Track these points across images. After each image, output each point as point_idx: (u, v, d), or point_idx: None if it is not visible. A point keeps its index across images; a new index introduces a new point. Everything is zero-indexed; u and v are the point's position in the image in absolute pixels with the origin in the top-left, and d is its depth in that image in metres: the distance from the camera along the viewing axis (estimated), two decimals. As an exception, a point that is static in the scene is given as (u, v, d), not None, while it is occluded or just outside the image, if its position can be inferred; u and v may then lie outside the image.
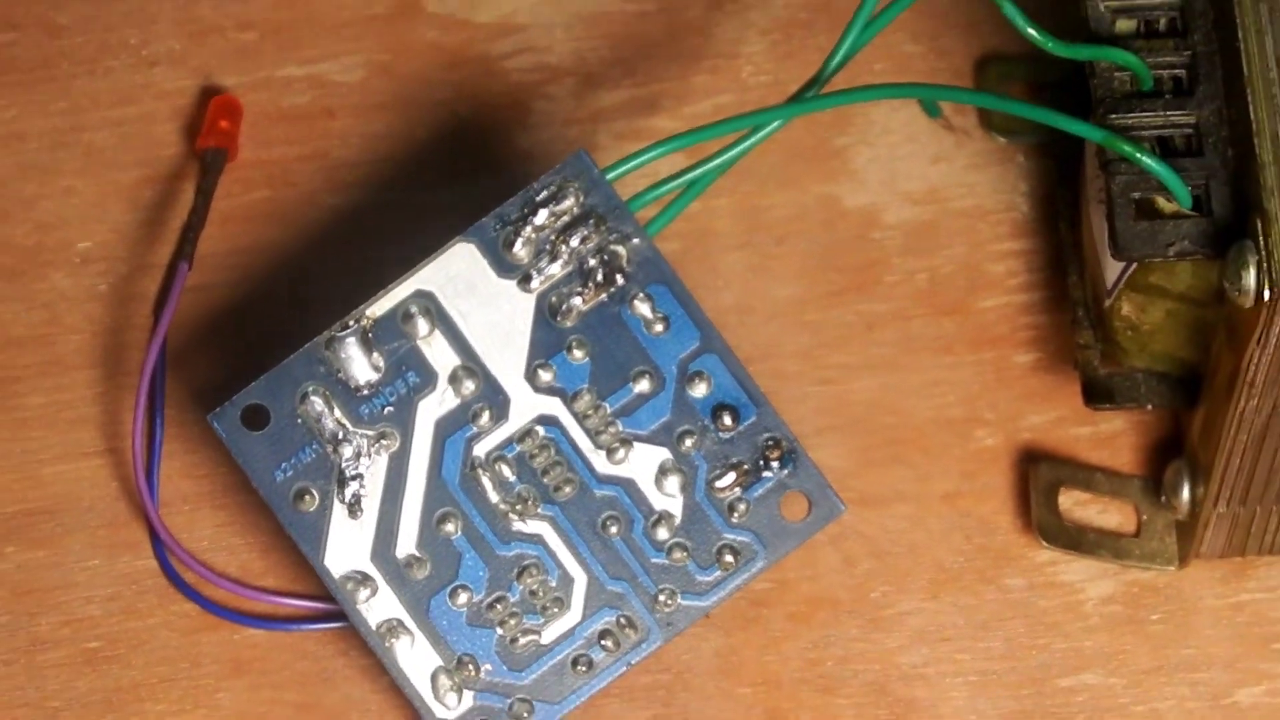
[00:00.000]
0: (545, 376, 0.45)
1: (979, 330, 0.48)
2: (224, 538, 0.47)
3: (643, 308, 0.45)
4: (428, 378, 0.45)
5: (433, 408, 0.45)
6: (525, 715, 0.45)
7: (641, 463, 0.45)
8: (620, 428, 0.45)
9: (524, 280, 0.45)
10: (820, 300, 0.48)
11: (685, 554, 0.45)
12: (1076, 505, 0.47)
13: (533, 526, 0.45)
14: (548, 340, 0.45)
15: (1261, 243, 0.41)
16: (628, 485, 0.45)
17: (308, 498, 0.44)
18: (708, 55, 0.49)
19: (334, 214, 0.49)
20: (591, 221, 0.45)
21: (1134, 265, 0.44)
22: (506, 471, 0.45)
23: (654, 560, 0.45)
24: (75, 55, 0.49)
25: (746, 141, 0.45)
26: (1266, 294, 0.41)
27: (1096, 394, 0.46)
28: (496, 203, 0.44)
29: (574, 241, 0.45)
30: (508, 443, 0.45)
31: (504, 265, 0.45)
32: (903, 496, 0.47)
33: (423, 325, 0.45)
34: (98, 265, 0.49)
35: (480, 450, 0.45)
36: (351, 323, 0.44)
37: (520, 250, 0.45)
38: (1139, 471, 0.47)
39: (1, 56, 0.50)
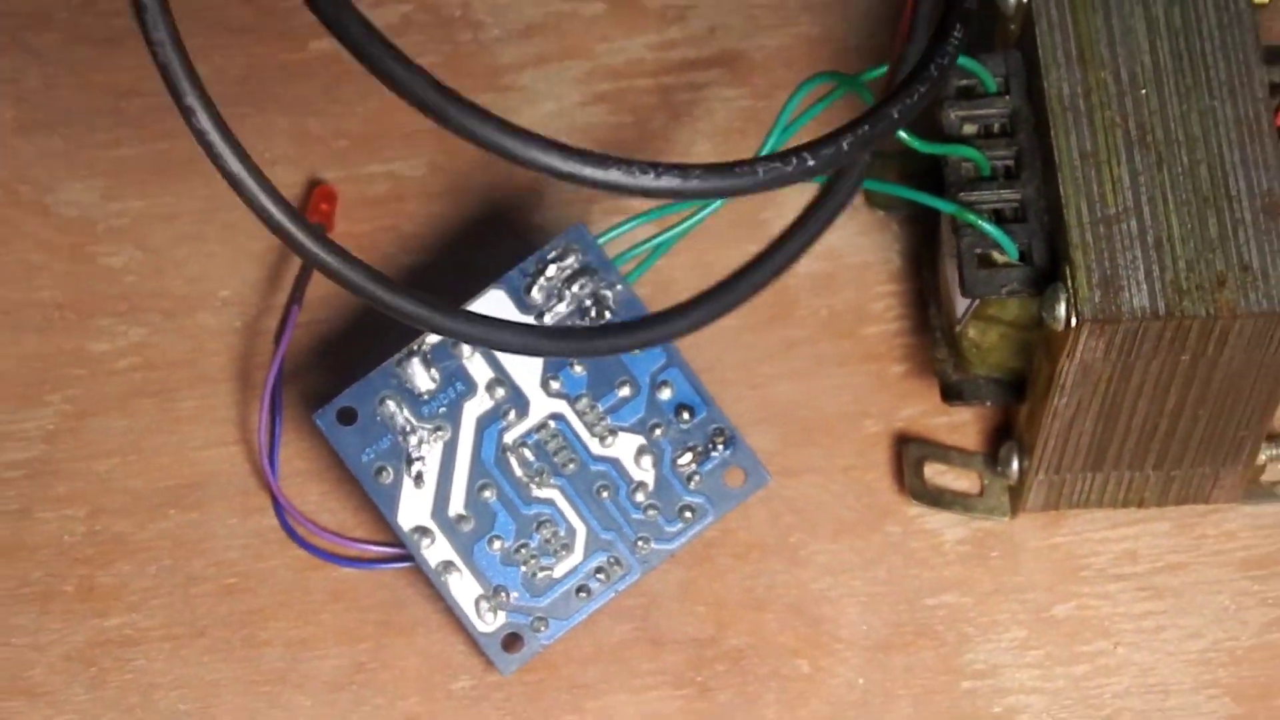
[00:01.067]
0: (554, 385, 0.44)
1: (866, 349, 0.48)
2: (325, 503, 0.46)
3: None
4: (471, 386, 0.44)
5: (474, 408, 0.44)
6: (541, 629, 0.44)
7: (624, 447, 0.44)
8: (609, 421, 0.44)
9: (539, 316, 0.44)
10: (752, 328, 0.48)
11: (656, 511, 0.44)
12: (936, 474, 0.46)
13: (546, 493, 0.44)
14: (556, 359, 0.44)
15: (1069, 284, 0.41)
16: (614, 463, 0.44)
17: (385, 473, 0.44)
18: (668, 154, 0.48)
19: (404, 270, 0.48)
20: (587, 274, 0.45)
21: (977, 301, 0.43)
22: (527, 453, 0.44)
23: (634, 516, 0.44)
24: (209, 186, 0.47)
25: (698, 215, 0.45)
26: (1073, 322, 0.41)
27: (950, 394, 0.46)
28: (519, 261, 0.44)
29: (574, 288, 0.45)
30: (528, 433, 0.44)
31: (524, 305, 0.45)
32: (813, 469, 0.47)
33: (466, 348, 0.44)
34: (233, 308, 0.48)
35: (508, 438, 0.44)
36: (415, 348, 0.44)
37: (536, 294, 0.45)
38: (981, 449, 0.47)
39: (165, 156, 0.48)
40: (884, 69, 0.43)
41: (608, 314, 0.45)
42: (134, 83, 0.49)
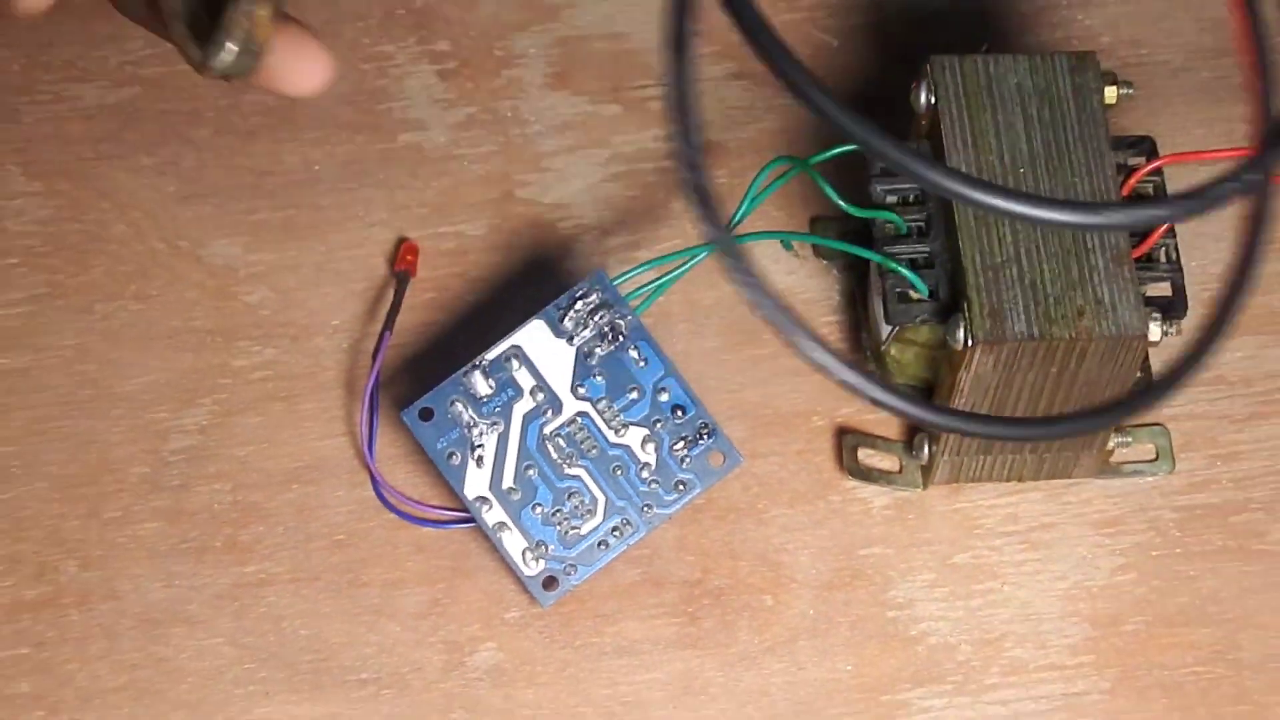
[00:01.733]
0: (581, 390, 0.44)
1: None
2: (410, 479, 0.45)
3: (633, 353, 0.44)
4: (518, 391, 0.44)
5: (521, 408, 0.44)
6: (572, 572, 0.43)
7: (634, 437, 0.44)
8: (622, 418, 0.44)
9: (569, 340, 0.44)
10: (729, 348, 0.47)
11: (657, 485, 0.44)
12: (867, 457, 0.46)
13: (575, 471, 0.44)
14: (582, 371, 0.44)
15: (966, 315, 0.41)
16: (626, 449, 0.44)
17: (454, 456, 0.43)
18: (666, 218, 0.48)
19: (470, 305, 0.47)
20: (606, 307, 0.44)
21: (897, 328, 0.43)
22: (561, 442, 0.44)
23: (641, 489, 0.44)
24: (329, 221, 0.48)
25: (688, 264, 0.45)
26: (969, 343, 0.41)
27: None
28: (555, 298, 0.44)
29: (596, 318, 0.44)
30: (561, 426, 0.44)
31: (559, 331, 0.44)
32: (774, 453, 0.46)
33: (515, 364, 0.44)
34: (342, 334, 0.47)
35: (547, 430, 0.44)
36: (477, 363, 0.44)
37: (567, 323, 0.44)
38: (901, 439, 0.47)
39: (291, 221, 0.47)
40: (829, 153, 0.43)
41: (621, 337, 0.44)
42: (268, 165, 0.48)
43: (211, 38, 0.34)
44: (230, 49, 0.34)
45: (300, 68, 0.36)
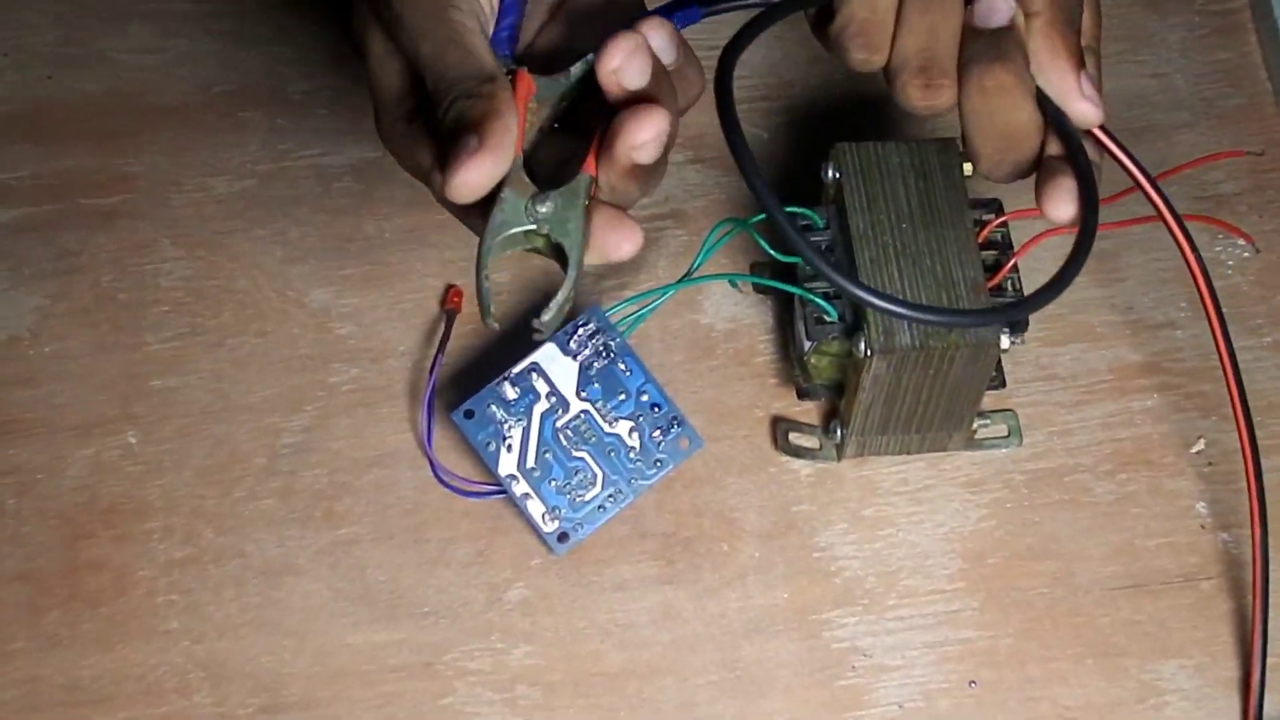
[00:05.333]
0: (583, 394, 0.44)
1: (754, 371, 0.47)
2: (459, 463, 0.44)
3: (621, 366, 0.44)
4: (537, 396, 0.44)
5: (539, 408, 0.44)
6: (579, 529, 0.43)
7: (623, 428, 0.44)
8: (614, 414, 0.44)
9: (574, 357, 0.44)
10: (692, 364, 0.47)
11: (641, 463, 0.44)
12: (796, 438, 0.46)
13: (580, 454, 0.44)
14: (584, 380, 0.44)
15: (865, 333, 0.41)
16: (617, 437, 0.44)
17: (490, 445, 0.43)
18: (645, 267, 0.48)
19: (500, 334, 0.47)
20: (601, 333, 0.44)
21: (815, 342, 0.43)
22: (569, 432, 0.44)
23: (628, 466, 0.44)
24: (396, 274, 0.47)
25: (660, 300, 0.45)
26: (868, 353, 0.41)
27: (802, 395, 0.45)
28: (562, 328, 0.44)
29: (594, 341, 0.44)
30: (569, 421, 0.44)
31: (566, 351, 0.44)
32: (727, 437, 0.46)
33: (534, 376, 0.44)
34: (407, 356, 0.46)
35: (559, 424, 0.44)
36: (506, 375, 0.44)
37: (572, 345, 0.44)
38: (820, 425, 0.46)
39: (370, 274, 0.47)
40: (761, 216, 0.42)
41: (612, 354, 0.44)
42: (351, 233, 0.48)
43: (539, 314, 0.33)
44: (543, 327, 0.33)
45: (615, 239, 0.33)
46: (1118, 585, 0.44)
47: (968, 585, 0.44)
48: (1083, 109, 0.34)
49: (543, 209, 0.33)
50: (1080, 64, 0.34)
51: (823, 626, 0.44)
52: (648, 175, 0.33)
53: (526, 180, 0.34)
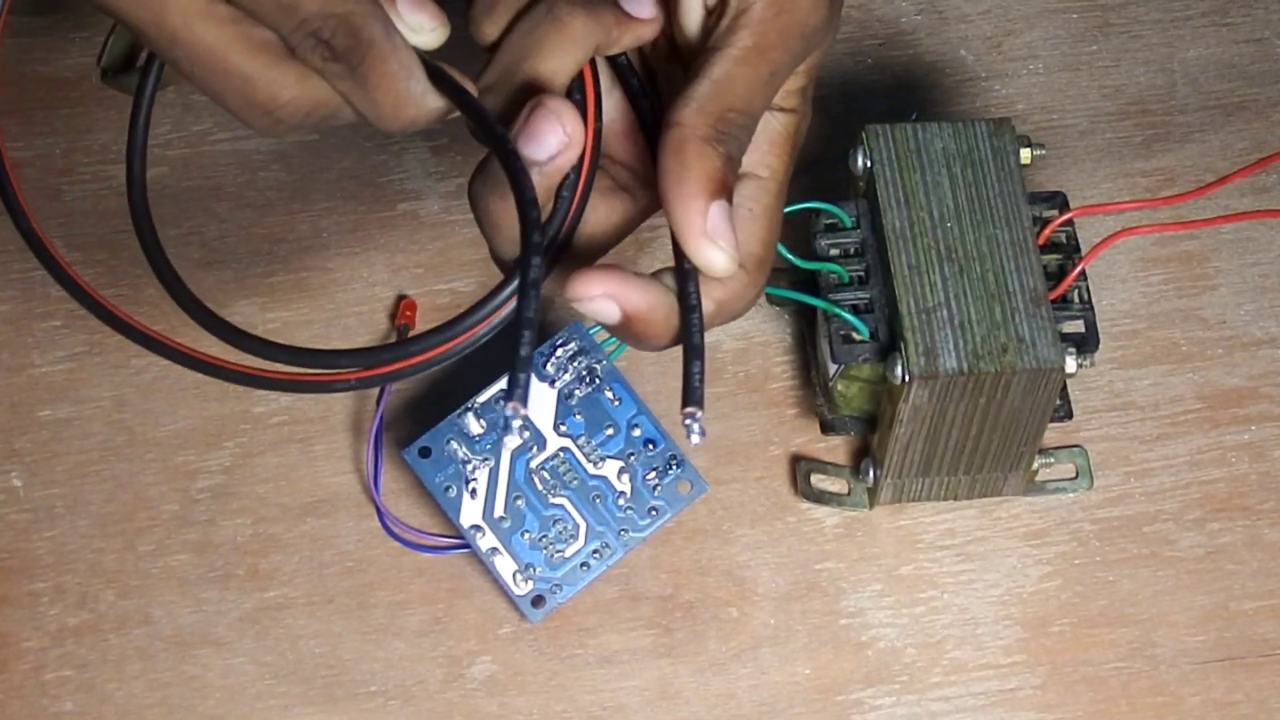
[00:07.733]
0: (562, 428, 0.42)
1: (769, 399, 0.45)
2: (411, 510, 0.43)
3: (608, 394, 0.42)
4: (506, 429, 0.41)
5: (510, 444, 0.42)
6: (558, 591, 0.41)
7: (610, 468, 0.41)
8: (599, 452, 0.42)
9: (551, 383, 0.42)
10: None
11: (632, 511, 0.42)
12: (819, 481, 0.44)
13: (559, 500, 0.41)
14: (563, 411, 0.42)
15: (903, 354, 0.39)
16: (604, 479, 0.41)
17: (450, 489, 0.41)
18: (645, 261, 0.46)
19: (462, 355, 0.44)
20: (584, 354, 0.42)
21: (843, 365, 0.41)
22: (545, 474, 0.41)
23: (618, 515, 0.41)
24: (336, 282, 0.46)
25: None
26: (906, 378, 0.39)
27: (826, 428, 0.44)
28: (539, 346, 0.42)
29: (575, 363, 0.42)
30: (545, 460, 0.41)
31: (542, 376, 0.42)
32: (737, 480, 0.44)
33: (504, 404, 0.41)
34: None
35: (533, 464, 0.42)
36: (470, 405, 0.42)
37: (549, 368, 0.42)
38: (849, 464, 0.45)
39: (303, 282, 0.45)
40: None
41: (597, 380, 0.42)
42: (281, 233, 0.46)
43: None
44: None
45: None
46: (1209, 658, 0.43)
47: (1028, 658, 0.43)
48: (706, 255, 0.31)
49: None
50: (719, 191, 0.31)
51: (852, 709, 0.42)
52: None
53: None
